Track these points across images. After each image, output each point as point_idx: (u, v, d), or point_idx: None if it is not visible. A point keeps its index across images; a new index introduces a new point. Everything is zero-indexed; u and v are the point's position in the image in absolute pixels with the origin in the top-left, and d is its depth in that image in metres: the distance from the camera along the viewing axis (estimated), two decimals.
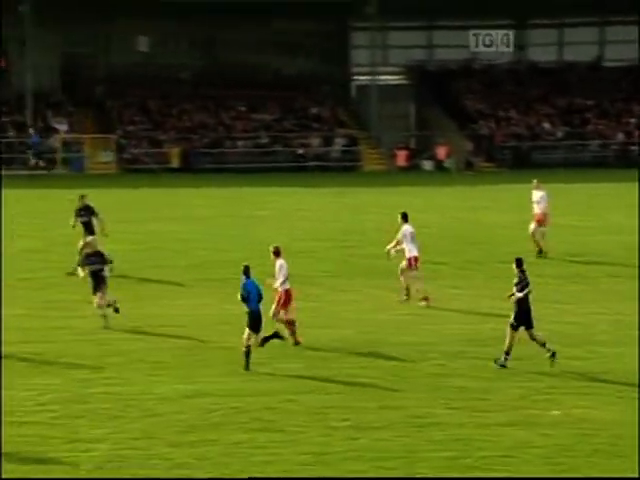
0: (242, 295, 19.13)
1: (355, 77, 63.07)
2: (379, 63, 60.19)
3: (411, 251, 24.43)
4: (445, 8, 59.69)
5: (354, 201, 42.12)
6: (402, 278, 24.45)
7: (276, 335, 20.03)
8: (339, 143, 57.53)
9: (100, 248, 22.28)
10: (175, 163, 54.71)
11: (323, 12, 59.38)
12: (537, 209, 30.01)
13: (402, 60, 63.06)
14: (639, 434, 15.96)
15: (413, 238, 24.58)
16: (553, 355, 19.25)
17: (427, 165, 57.75)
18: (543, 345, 19.36)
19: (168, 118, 57.45)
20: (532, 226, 29.80)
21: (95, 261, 21.66)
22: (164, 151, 55.30)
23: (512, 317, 19.25)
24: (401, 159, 57.58)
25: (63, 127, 55.52)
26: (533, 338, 19.38)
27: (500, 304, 24.07)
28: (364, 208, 40.09)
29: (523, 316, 19.17)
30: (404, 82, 63.19)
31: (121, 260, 29.07)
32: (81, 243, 25.85)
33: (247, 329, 19.20)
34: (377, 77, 59.62)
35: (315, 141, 57.27)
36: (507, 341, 19.18)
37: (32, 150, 52.63)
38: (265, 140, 56.93)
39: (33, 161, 51.81)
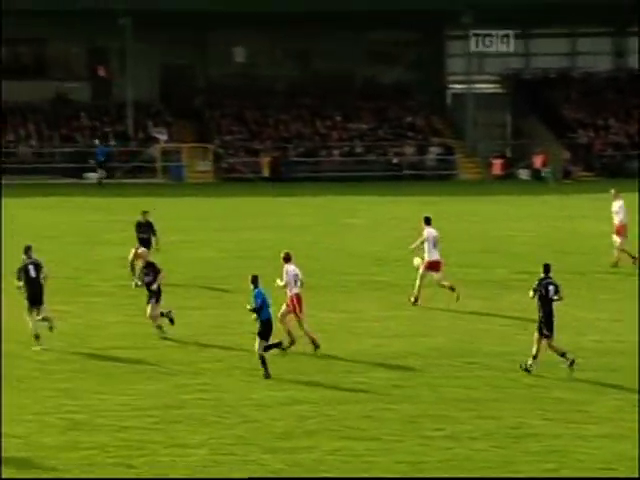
0: (256, 305, 19.18)
1: (450, 85, 62.80)
2: (475, 72, 59.85)
3: (431, 256, 24.44)
4: (541, 16, 59.08)
5: (449, 210, 41.88)
6: (418, 281, 24.45)
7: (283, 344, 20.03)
8: (434, 152, 57.30)
9: (151, 259, 22.80)
10: (266, 172, 55.05)
11: (418, 21, 59.27)
12: (616, 220, 29.70)
13: (498, 69, 62.63)
14: (639, 435, 15.69)
15: (435, 242, 24.56)
16: (527, 369, 19.32)
17: (523, 174, 57.18)
18: (535, 357, 19.44)
19: (265, 128, 57.88)
20: (615, 238, 29.47)
21: (147, 272, 22.18)
22: (260, 160, 55.73)
23: (544, 329, 19.34)
24: (497, 168, 57.13)
25: (163, 137, 56.33)
26: (538, 345, 19.44)
27: (599, 315, 23.79)
28: (459, 217, 39.83)
29: (548, 321, 19.25)
30: (500, 91, 62.73)
31: (213, 268, 29.50)
32: (131, 256, 26.59)
33: (258, 338, 19.25)
34: (473, 85, 59.30)
35: (410, 150, 57.14)
36: (557, 352, 19.39)
37: (95, 158, 52.87)
38: (360, 149, 57.00)
39: (99, 173, 52.13)
